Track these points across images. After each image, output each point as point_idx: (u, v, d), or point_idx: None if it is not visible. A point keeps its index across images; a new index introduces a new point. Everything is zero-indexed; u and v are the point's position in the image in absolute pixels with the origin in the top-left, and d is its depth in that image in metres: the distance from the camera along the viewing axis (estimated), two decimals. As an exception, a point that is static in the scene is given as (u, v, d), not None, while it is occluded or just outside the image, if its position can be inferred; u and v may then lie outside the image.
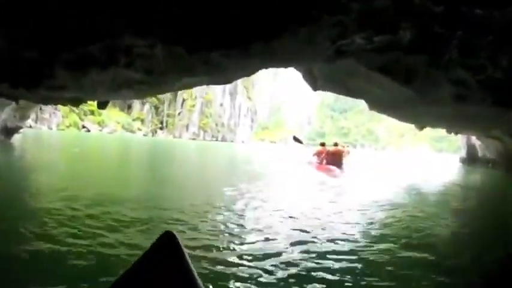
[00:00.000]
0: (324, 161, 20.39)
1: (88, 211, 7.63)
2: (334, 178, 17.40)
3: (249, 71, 12.56)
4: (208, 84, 13.39)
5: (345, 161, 26.75)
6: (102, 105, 14.02)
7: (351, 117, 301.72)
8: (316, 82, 16.10)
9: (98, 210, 7.77)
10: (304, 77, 16.32)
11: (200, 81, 12.20)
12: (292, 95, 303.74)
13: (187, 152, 42.87)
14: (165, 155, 34.42)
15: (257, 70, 12.38)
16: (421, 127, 23.69)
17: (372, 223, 8.38)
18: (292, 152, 39.44)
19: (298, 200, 11.26)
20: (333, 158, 20.13)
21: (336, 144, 21.66)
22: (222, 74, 11.32)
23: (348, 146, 43.95)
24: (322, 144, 22.10)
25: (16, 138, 32.27)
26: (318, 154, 21.47)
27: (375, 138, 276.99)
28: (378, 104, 17.77)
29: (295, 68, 15.55)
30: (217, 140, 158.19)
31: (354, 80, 14.34)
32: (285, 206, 9.86)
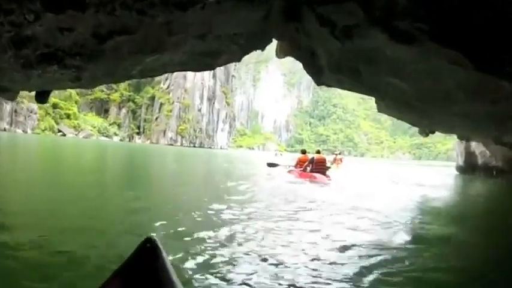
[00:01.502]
0: (308, 169, 19.80)
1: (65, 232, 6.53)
2: (322, 185, 17.09)
3: (237, 52, 9.14)
4: (183, 68, 9.93)
5: (339, 169, 29.51)
6: (40, 98, 10.33)
7: (329, 124, 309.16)
8: (321, 73, 12.92)
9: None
10: (306, 67, 13.27)
11: (170, 62, 8.72)
12: (270, 101, 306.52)
13: (168, 161, 38.63)
14: (144, 166, 30.17)
15: (249, 47, 8.90)
16: (426, 133, 21.78)
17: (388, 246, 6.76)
18: (272, 159, 37.76)
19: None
20: (318, 166, 19.63)
21: (318, 152, 21.56)
22: (200, 49, 7.79)
23: (339, 153, 42.10)
24: (304, 152, 22.21)
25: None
26: (300, 162, 21.09)
27: (353, 145, 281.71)
28: (392, 103, 14.75)
29: (296, 55, 12.55)
30: (195, 146, 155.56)
31: (373, 70, 11.07)
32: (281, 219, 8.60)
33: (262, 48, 10.73)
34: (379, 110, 17.25)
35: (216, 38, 8.11)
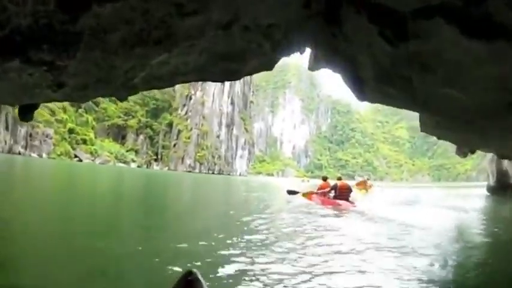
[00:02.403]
0: (331, 195, 19.80)
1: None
2: (346, 210, 17.15)
3: (269, 54, 7.19)
4: (200, 77, 7.91)
5: (368, 195, 30.27)
6: (22, 113, 8.46)
7: (347, 148, 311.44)
8: (364, 87, 10.93)
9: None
10: (346, 80, 11.34)
11: (184, 66, 6.75)
12: (289, 127, 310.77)
13: (185, 190, 36.86)
14: (160, 194, 28.96)
15: (284, 47, 7.00)
16: (465, 153, 20.40)
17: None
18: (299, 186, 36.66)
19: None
20: (341, 193, 19.48)
21: (339, 179, 21.06)
22: (223, 48, 5.84)
23: (368, 179, 40.63)
24: (325, 179, 22.16)
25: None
26: (322, 189, 20.89)
27: (373, 169, 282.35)
28: (443, 120, 12.75)
29: (332, 66, 10.78)
30: (213, 173, 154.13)
31: (427, 78, 8.99)
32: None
33: (301, 51, 8.85)
34: (423, 129, 15.31)
35: (244, 31, 6.13)
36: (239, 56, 7.08)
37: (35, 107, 8.41)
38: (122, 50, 5.51)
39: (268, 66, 8.43)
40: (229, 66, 7.45)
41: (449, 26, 6.19)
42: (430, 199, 34.27)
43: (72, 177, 37.05)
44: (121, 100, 9.81)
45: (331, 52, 9.95)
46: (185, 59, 6.54)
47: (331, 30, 8.36)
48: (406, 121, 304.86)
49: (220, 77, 8.17)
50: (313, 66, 11.46)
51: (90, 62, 5.62)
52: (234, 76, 8.19)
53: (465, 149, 19.93)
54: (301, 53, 9.24)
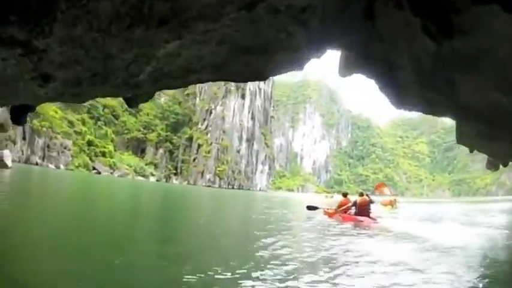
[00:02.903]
0: (351, 212, 19.97)
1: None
2: (369, 227, 17.02)
3: (300, 47, 6.14)
4: (217, 75, 6.80)
5: (394, 210, 30.43)
6: (14, 116, 7.55)
7: (368, 163, 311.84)
8: (401, 91, 9.95)
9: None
10: (381, 85, 10.50)
11: (198, 60, 5.71)
12: (309, 142, 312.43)
13: (205, 206, 35.99)
14: (178, 210, 28.42)
15: (320, 39, 6.05)
16: (497, 166, 19.56)
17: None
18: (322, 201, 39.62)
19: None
20: (361, 208, 19.54)
21: (361, 194, 20.78)
22: (246, 39, 4.83)
23: (385, 185, 39.90)
24: (345, 195, 22.18)
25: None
26: (342, 205, 20.93)
27: (393, 185, 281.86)
28: (483, 128, 11.61)
29: (365, 70, 10.02)
30: (233, 188, 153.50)
31: (473, 81, 7.87)
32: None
33: (336, 47, 7.76)
34: (459, 140, 14.00)
35: (273, 13, 5.00)
36: (265, 48, 6.01)
37: (29, 108, 7.41)
38: (117, 30, 4.38)
39: (298, 64, 7.32)
40: (252, 61, 6.37)
41: (506, 14, 5.27)
42: (454, 215, 33.88)
43: (90, 190, 36.95)
44: (131, 107, 8.84)
45: (365, 54, 8.97)
46: (200, 50, 5.47)
47: (366, 26, 7.36)
48: (426, 136, 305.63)
49: (242, 76, 7.05)
50: (344, 71, 10.47)
51: (76, 45, 4.51)
52: (257, 76, 7.09)
53: (499, 161, 18.87)
54: (337, 49, 8.20)
